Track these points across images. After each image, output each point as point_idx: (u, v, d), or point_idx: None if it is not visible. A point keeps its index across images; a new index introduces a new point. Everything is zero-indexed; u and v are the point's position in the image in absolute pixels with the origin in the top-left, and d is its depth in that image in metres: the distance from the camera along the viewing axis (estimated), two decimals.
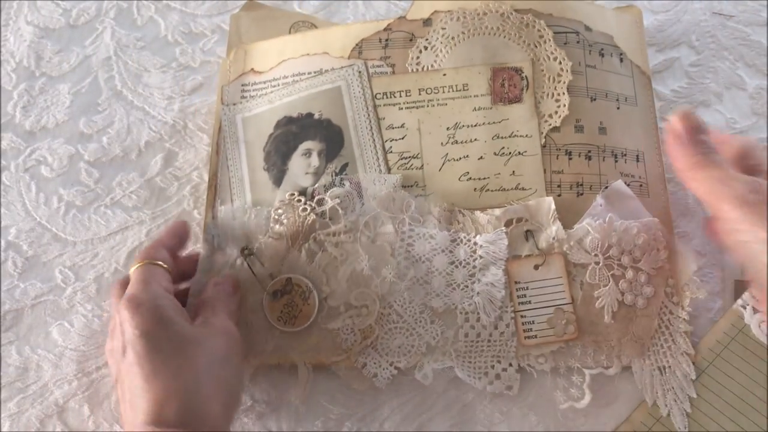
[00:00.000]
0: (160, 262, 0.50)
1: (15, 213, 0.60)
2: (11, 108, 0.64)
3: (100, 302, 0.56)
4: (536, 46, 0.58)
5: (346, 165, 0.57)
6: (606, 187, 0.55)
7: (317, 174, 0.57)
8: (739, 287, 0.55)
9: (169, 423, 0.42)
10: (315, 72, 0.59)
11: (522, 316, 0.52)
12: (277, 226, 0.55)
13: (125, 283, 0.50)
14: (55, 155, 0.62)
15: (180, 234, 0.54)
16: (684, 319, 0.53)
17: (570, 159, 0.56)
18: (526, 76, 0.57)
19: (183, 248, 0.55)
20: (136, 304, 0.45)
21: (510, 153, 0.56)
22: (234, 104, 0.60)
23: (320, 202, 0.55)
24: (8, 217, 0.59)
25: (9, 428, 0.52)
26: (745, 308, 0.53)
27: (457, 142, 0.57)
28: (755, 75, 0.64)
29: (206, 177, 0.60)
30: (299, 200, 0.55)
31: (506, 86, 0.57)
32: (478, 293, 0.52)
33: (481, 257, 0.53)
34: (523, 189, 0.55)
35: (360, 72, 0.59)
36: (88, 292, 0.57)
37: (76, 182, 0.61)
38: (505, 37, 0.58)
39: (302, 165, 0.57)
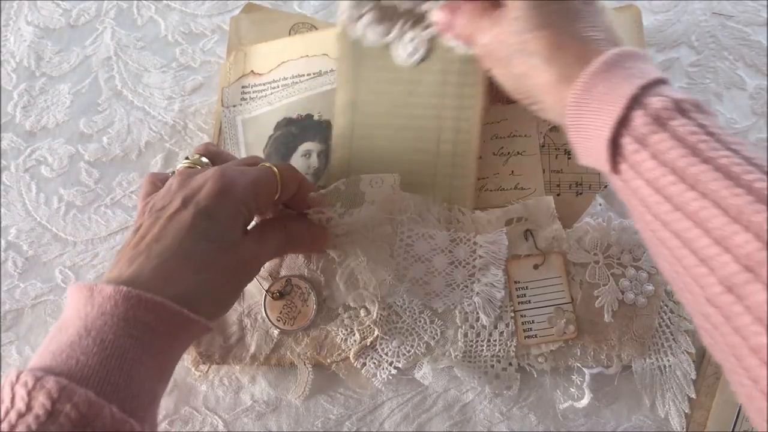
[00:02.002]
0: (277, 172, 0.48)
1: (15, 213, 0.60)
2: (11, 108, 0.64)
3: None
4: None
5: None
6: (605, 186, 0.55)
7: (317, 175, 0.57)
8: None
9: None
10: (314, 73, 0.59)
11: (522, 316, 0.52)
12: None
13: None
14: (55, 155, 0.62)
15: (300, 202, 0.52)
16: (685, 317, 0.53)
17: (569, 158, 0.56)
18: None
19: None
20: (225, 188, 0.44)
21: (509, 153, 0.56)
22: (234, 106, 0.60)
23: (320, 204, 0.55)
24: (8, 217, 0.59)
25: None
26: None
27: None
28: (755, 75, 0.64)
29: None
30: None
31: None
32: (477, 293, 0.52)
33: (480, 257, 0.53)
34: (522, 189, 0.55)
35: None
36: None
37: (76, 182, 0.61)
38: None
39: (302, 166, 0.57)
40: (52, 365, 0.37)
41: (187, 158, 0.49)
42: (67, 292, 0.41)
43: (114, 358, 0.37)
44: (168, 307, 0.39)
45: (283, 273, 0.54)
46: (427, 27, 0.51)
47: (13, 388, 0.36)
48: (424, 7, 0.51)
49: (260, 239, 0.47)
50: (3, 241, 0.59)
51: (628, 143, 0.37)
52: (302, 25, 0.64)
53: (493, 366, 0.52)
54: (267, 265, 0.54)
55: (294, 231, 0.50)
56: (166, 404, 0.53)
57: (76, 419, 0.34)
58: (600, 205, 0.54)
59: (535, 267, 0.53)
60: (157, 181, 0.48)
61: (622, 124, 0.37)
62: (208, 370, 0.53)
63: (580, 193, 0.55)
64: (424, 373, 0.52)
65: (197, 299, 0.41)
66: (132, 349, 0.38)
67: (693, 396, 0.51)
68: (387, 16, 0.52)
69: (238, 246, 0.44)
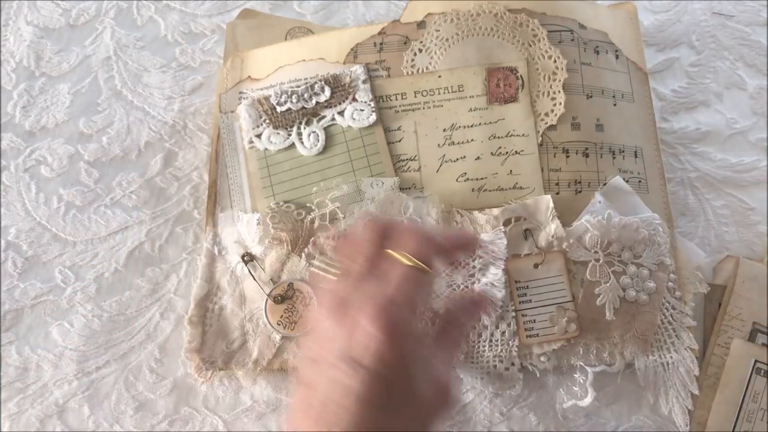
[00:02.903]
0: (429, 270, 0.40)
1: (15, 213, 0.60)
2: (11, 108, 0.64)
3: (100, 302, 0.56)
4: (530, 46, 0.58)
5: None
6: (604, 184, 0.55)
7: None
8: None
9: None
10: (311, 78, 0.59)
11: (523, 315, 0.52)
12: (277, 232, 0.55)
13: (382, 231, 0.41)
14: (55, 155, 0.62)
15: (465, 247, 0.46)
16: (687, 314, 0.53)
17: (567, 157, 0.56)
18: (521, 76, 0.57)
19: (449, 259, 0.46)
20: (397, 333, 0.36)
21: (507, 152, 0.56)
22: (232, 112, 0.60)
23: (320, 206, 0.55)
24: (8, 217, 0.59)
25: (9, 428, 0.52)
26: None
27: (453, 143, 0.57)
28: (755, 75, 0.64)
29: (206, 177, 0.60)
30: (288, 206, 0.55)
31: (501, 86, 0.57)
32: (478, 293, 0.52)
33: (480, 257, 0.53)
34: (521, 188, 0.55)
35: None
36: (88, 292, 0.57)
37: (76, 182, 0.61)
38: (499, 37, 0.58)
39: None
40: None
41: (321, 255, 0.44)
42: None
43: None
44: None
45: (284, 277, 0.54)
46: (321, 119, 0.58)
47: None
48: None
49: (447, 356, 0.41)
50: (3, 241, 0.59)
51: None
52: (298, 30, 0.65)
53: (495, 366, 0.52)
54: (268, 269, 0.54)
55: (456, 312, 0.44)
56: (166, 404, 0.53)
57: None
58: (599, 202, 0.54)
59: (536, 266, 0.53)
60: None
61: None
62: (210, 377, 0.53)
63: (579, 191, 0.55)
64: None
65: None
66: None
67: (696, 392, 0.51)
68: (282, 123, 0.57)
69: (429, 373, 0.38)
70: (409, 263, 0.39)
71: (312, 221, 0.54)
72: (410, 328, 0.37)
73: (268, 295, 0.53)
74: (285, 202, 0.56)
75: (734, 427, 0.51)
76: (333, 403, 0.35)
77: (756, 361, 0.52)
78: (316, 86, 0.58)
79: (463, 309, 0.45)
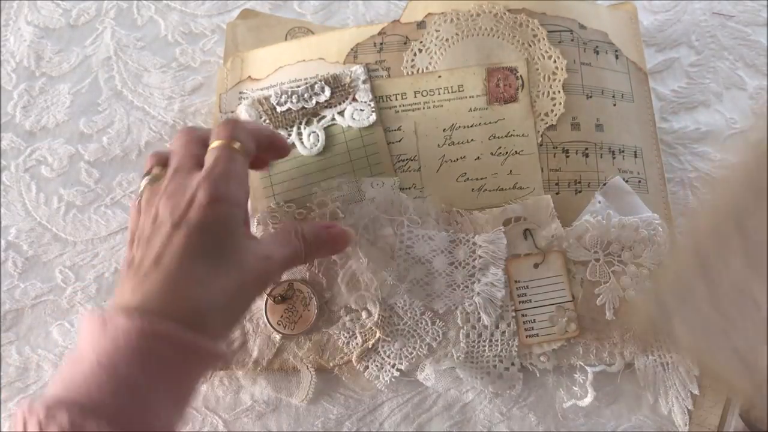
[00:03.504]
0: (241, 148, 0.46)
1: (15, 213, 0.60)
2: (11, 108, 0.64)
3: (101, 302, 0.56)
4: (530, 46, 0.58)
5: None
6: (604, 184, 0.55)
7: None
8: None
9: (168, 318, 0.39)
10: (311, 78, 0.59)
11: (523, 315, 0.52)
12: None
13: (201, 136, 0.47)
14: (55, 155, 0.62)
15: (280, 149, 0.51)
16: None
17: (567, 157, 0.56)
18: (521, 76, 0.57)
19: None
20: (215, 196, 0.42)
21: (507, 152, 0.56)
22: (232, 112, 0.60)
23: (321, 205, 0.55)
24: (8, 217, 0.59)
25: (9, 428, 0.52)
26: None
27: (453, 143, 0.57)
28: (755, 75, 0.64)
29: None
30: (289, 206, 0.55)
31: (501, 86, 0.57)
32: (478, 293, 0.52)
33: (480, 257, 0.53)
34: (520, 188, 0.55)
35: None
36: (88, 292, 0.57)
37: (76, 182, 0.61)
38: (499, 37, 0.58)
39: None
40: (65, 397, 0.37)
41: (147, 173, 0.48)
42: (79, 320, 0.41)
43: (127, 390, 0.37)
44: (180, 337, 0.39)
45: (284, 277, 0.54)
46: (321, 119, 0.58)
47: (24, 419, 0.36)
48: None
49: (270, 246, 0.46)
50: (3, 241, 0.59)
51: None
52: (298, 30, 0.65)
53: (495, 366, 0.52)
54: None
55: (310, 234, 0.48)
56: None
57: None
58: (599, 202, 0.54)
59: (536, 266, 0.53)
60: (135, 213, 0.47)
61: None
62: (211, 377, 0.53)
63: (579, 191, 0.55)
64: (426, 374, 0.52)
65: (206, 319, 0.40)
66: (146, 380, 0.38)
67: (696, 392, 0.51)
68: (282, 123, 0.57)
69: (242, 255, 0.43)
70: (224, 142, 0.45)
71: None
72: (230, 194, 0.43)
73: (268, 295, 0.53)
74: (286, 202, 0.56)
75: (722, 427, 0.51)
76: (165, 262, 0.41)
77: None
78: (316, 86, 0.58)
79: (319, 236, 0.50)
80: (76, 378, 0.37)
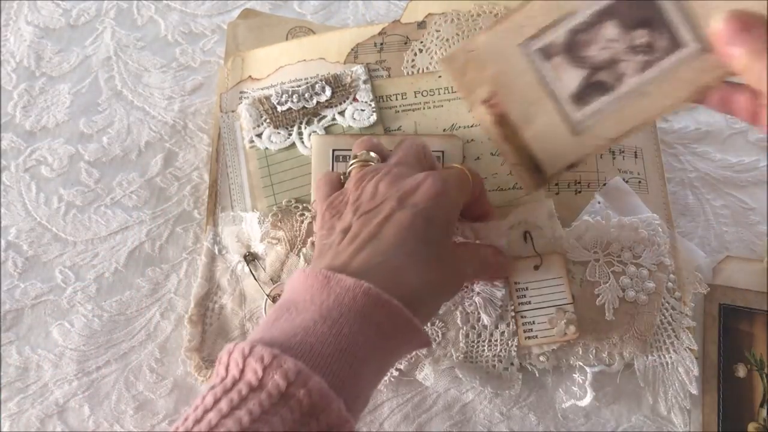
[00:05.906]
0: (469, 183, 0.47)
1: (15, 213, 0.60)
2: (11, 108, 0.64)
3: (101, 302, 0.56)
4: None
5: None
6: (604, 184, 0.55)
7: None
8: None
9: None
10: (312, 78, 0.59)
11: (522, 317, 0.52)
12: (276, 231, 0.55)
13: (427, 151, 0.49)
14: (55, 155, 0.62)
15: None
16: (686, 314, 0.53)
17: None
18: None
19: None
20: (443, 190, 0.43)
21: None
22: (233, 111, 0.60)
23: None
24: (8, 217, 0.59)
25: (9, 428, 0.52)
26: None
27: None
28: None
29: (206, 177, 0.60)
30: (296, 206, 0.55)
31: None
32: (478, 293, 0.52)
33: None
34: (521, 188, 0.55)
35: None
36: (88, 292, 0.57)
37: (76, 182, 0.61)
38: None
39: None
40: (285, 344, 0.35)
41: (356, 156, 0.48)
42: (294, 275, 0.40)
43: (347, 353, 0.36)
44: (401, 312, 0.38)
45: (284, 277, 0.54)
46: (321, 119, 0.58)
47: (245, 360, 0.34)
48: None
49: (465, 255, 0.47)
50: (3, 241, 0.59)
51: None
52: (299, 29, 0.65)
53: (494, 366, 0.52)
54: (268, 268, 0.54)
55: (485, 256, 0.49)
56: (166, 404, 0.53)
57: (307, 407, 0.33)
58: (599, 203, 0.54)
59: (535, 268, 0.53)
60: (335, 182, 0.48)
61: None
62: (210, 376, 0.53)
63: (579, 192, 0.55)
64: (425, 374, 0.52)
65: (417, 304, 0.40)
66: (363, 347, 0.37)
67: (695, 393, 0.51)
68: (283, 122, 0.57)
69: (451, 254, 0.44)
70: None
71: (310, 222, 0.55)
72: (454, 195, 0.44)
73: (268, 295, 0.53)
74: (287, 202, 0.56)
75: (720, 427, 0.51)
76: (386, 236, 0.41)
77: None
78: (316, 86, 0.58)
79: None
80: (296, 329, 0.36)
